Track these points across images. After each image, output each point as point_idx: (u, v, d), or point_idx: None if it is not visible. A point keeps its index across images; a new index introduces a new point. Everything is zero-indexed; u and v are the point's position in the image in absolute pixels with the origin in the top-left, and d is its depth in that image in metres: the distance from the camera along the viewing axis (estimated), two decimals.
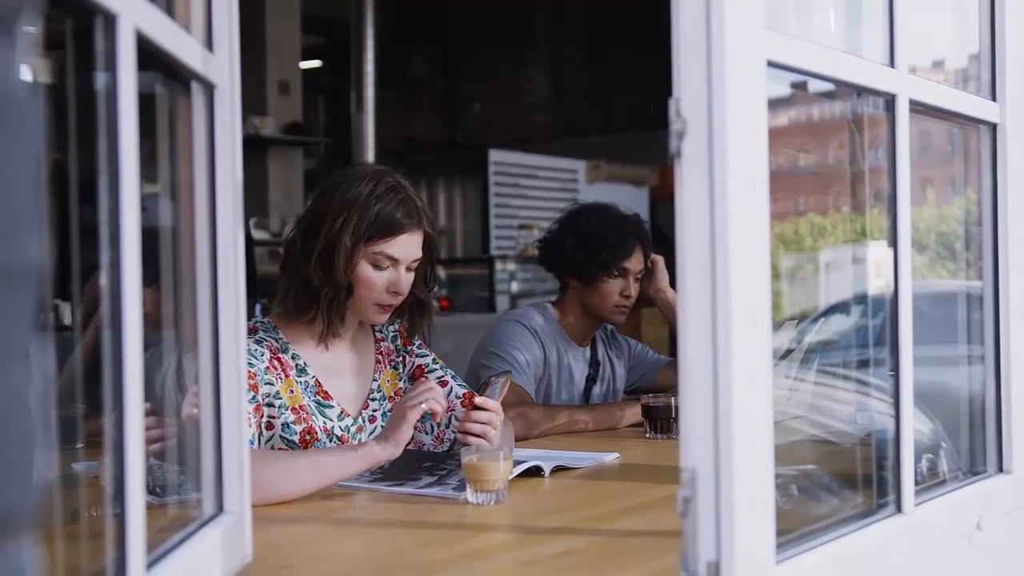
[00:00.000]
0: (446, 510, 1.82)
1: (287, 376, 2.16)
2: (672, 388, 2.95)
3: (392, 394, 2.33)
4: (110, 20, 0.98)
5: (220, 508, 1.35)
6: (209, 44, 1.33)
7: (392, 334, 2.39)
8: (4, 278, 0.53)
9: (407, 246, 2.17)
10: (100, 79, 0.99)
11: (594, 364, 3.11)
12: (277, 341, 2.19)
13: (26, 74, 0.58)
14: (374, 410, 2.30)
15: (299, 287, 2.17)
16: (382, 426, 2.26)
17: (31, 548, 0.58)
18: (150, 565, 1.07)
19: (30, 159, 0.55)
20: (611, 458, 2.31)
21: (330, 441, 2.18)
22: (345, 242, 2.12)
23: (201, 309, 1.34)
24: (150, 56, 1.09)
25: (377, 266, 2.16)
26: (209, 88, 1.32)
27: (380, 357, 2.35)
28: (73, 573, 1.13)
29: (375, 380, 2.32)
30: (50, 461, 0.60)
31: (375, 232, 2.14)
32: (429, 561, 1.52)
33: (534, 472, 2.08)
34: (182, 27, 1.22)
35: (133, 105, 1.01)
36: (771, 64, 1.24)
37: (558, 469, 2.15)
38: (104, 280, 0.99)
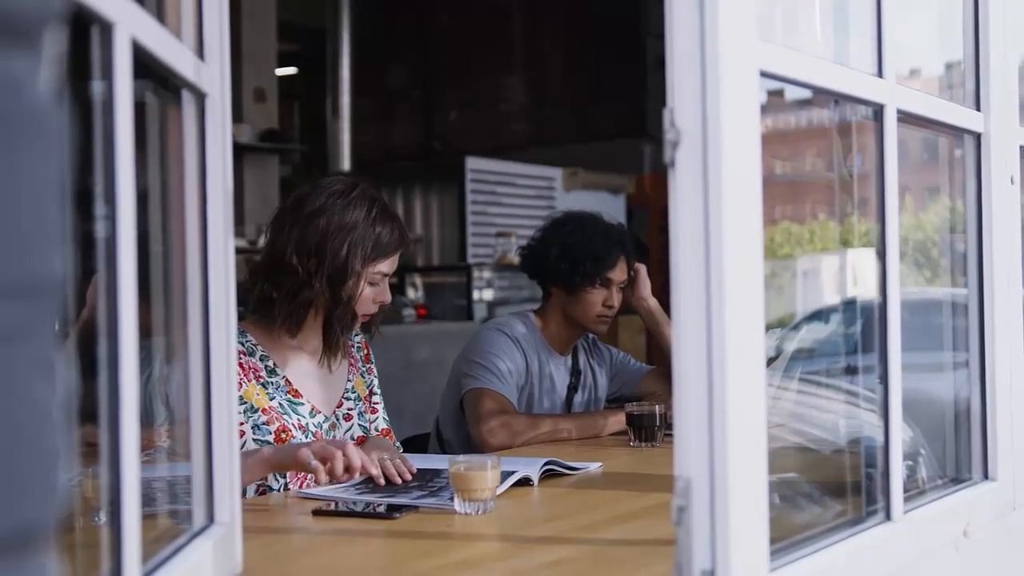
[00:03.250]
0: (434, 520, 1.81)
1: (250, 380, 2.21)
2: (654, 396, 2.96)
3: (363, 397, 2.43)
4: (106, 29, 0.97)
5: (211, 519, 1.34)
6: (200, 53, 1.32)
7: (357, 345, 2.48)
8: (29, 291, 0.53)
9: (396, 261, 2.32)
10: (96, 87, 0.98)
11: (575, 373, 3.11)
12: (243, 344, 2.22)
13: (50, 86, 0.58)
14: (349, 409, 2.38)
15: (301, 308, 2.24)
16: (359, 424, 2.38)
17: (55, 560, 0.57)
18: None
19: (55, 171, 0.55)
20: (595, 467, 2.31)
21: (305, 437, 2.24)
22: (356, 268, 2.23)
23: (192, 319, 1.33)
24: (142, 64, 1.08)
25: (372, 283, 2.28)
26: (200, 97, 1.32)
27: (352, 360, 2.43)
28: None
29: (349, 380, 2.40)
30: (71, 474, 0.59)
31: (378, 255, 2.26)
32: (420, 571, 1.52)
33: (522, 481, 2.08)
34: (174, 35, 1.21)
35: (129, 113, 1.00)
36: (764, 74, 1.24)
37: (547, 474, 2.16)
38: (101, 288, 0.98)
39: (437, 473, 2.14)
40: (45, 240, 0.54)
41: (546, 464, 2.16)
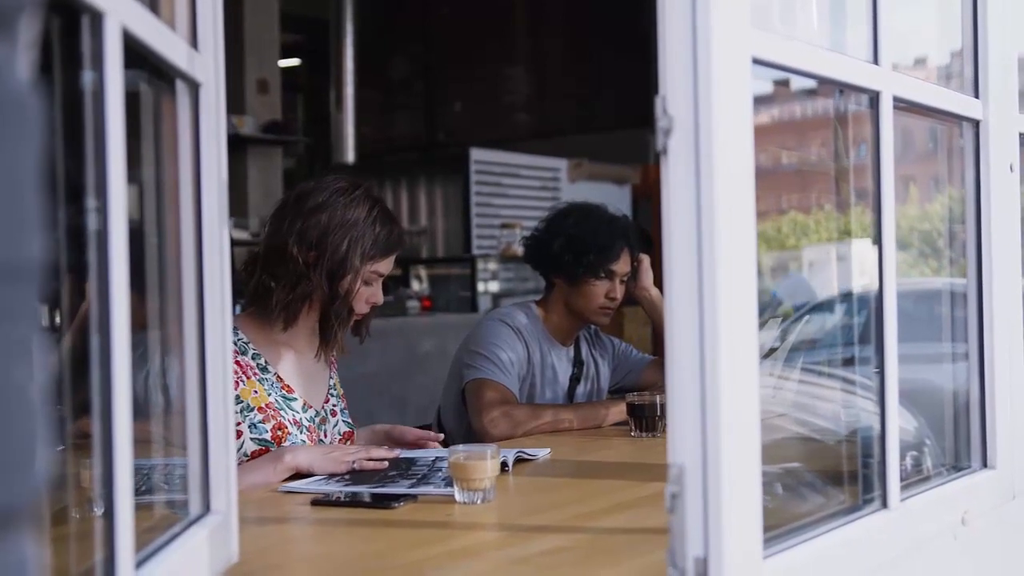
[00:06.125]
0: (433, 509, 1.81)
1: (249, 377, 2.23)
2: (656, 386, 2.96)
3: (341, 394, 2.47)
4: (97, 18, 0.97)
5: (207, 508, 1.35)
6: (194, 42, 1.32)
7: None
8: (8, 274, 0.53)
9: (392, 263, 2.34)
10: (86, 77, 0.98)
11: (578, 363, 3.11)
12: (235, 344, 2.23)
13: (27, 72, 0.58)
14: (333, 405, 2.42)
15: (298, 301, 2.25)
16: (343, 420, 2.42)
17: (33, 543, 0.58)
18: (138, 565, 1.06)
19: (32, 157, 0.56)
20: (543, 453, 2.34)
21: (300, 432, 2.26)
22: (355, 264, 2.24)
23: (187, 309, 1.33)
24: (134, 54, 1.08)
25: (367, 283, 2.29)
26: (194, 87, 1.32)
27: (332, 359, 2.46)
28: (60, 574, 1.12)
29: (331, 378, 2.44)
30: (51, 457, 0.60)
31: (376, 253, 2.27)
32: (418, 560, 1.52)
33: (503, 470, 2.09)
34: (167, 25, 1.21)
35: (120, 104, 1.00)
36: (756, 61, 1.24)
37: (519, 461, 2.21)
38: (93, 281, 0.98)
39: (413, 462, 2.17)
40: (22, 226, 0.55)
41: (516, 458, 2.20)
